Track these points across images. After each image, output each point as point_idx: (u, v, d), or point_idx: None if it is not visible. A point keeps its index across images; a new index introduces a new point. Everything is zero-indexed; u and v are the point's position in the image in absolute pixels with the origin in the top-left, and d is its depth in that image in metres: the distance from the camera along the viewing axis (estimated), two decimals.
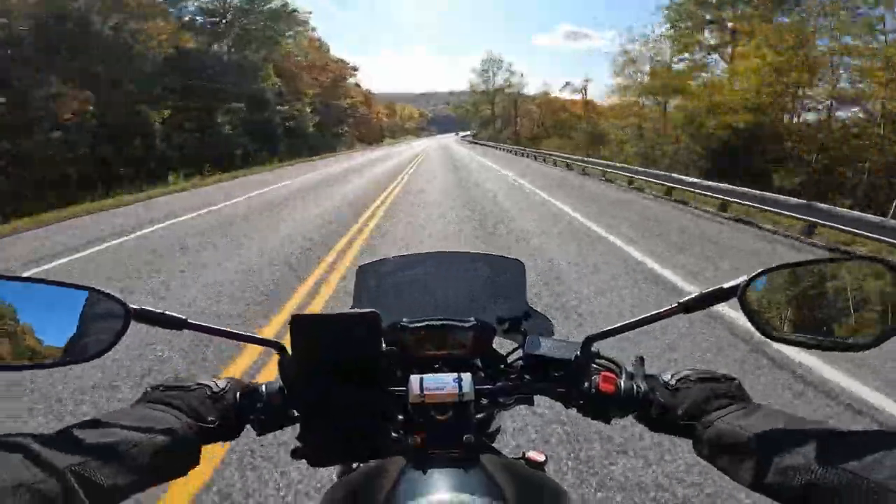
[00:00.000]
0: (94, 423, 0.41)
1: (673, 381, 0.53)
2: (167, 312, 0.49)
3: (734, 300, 0.47)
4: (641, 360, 0.59)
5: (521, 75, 61.61)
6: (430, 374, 0.55)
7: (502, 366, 0.66)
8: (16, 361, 0.45)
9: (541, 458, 0.65)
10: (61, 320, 0.48)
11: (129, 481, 0.38)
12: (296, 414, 0.55)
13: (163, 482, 0.42)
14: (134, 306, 0.48)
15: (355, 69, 50.62)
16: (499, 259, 0.84)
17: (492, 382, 0.60)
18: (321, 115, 34.46)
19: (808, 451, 0.38)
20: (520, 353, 0.64)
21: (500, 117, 55.15)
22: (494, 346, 0.68)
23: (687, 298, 0.50)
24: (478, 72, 56.96)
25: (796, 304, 0.50)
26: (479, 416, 0.60)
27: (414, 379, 0.55)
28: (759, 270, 0.48)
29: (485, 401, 0.59)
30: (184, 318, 0.50)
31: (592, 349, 0.58)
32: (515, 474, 0.50)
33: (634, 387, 0.55)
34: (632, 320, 0.53)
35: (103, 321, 0.48)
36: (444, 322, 0.67)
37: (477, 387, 0.55)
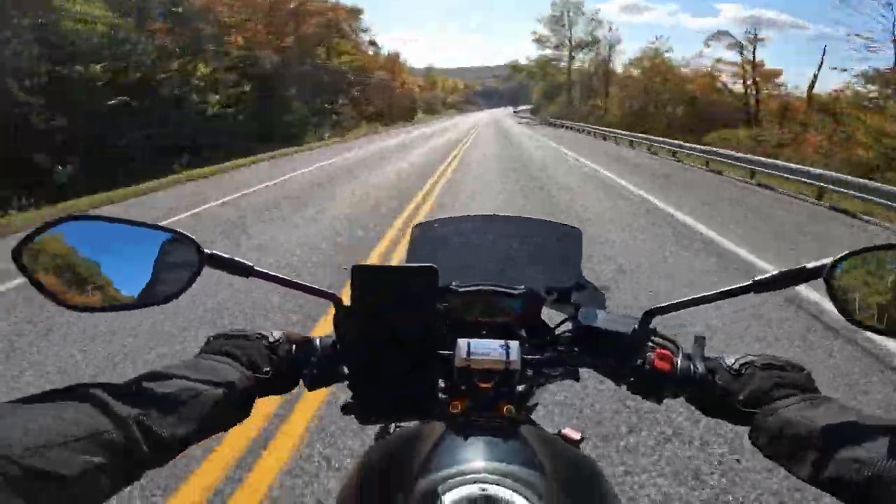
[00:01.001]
0: (158, 374, 0.45)
1: (736, 366, 0.53)
2: (236, 258, 0.54)
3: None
4: (702, 339, 0.59)
5: (611, 27, 43.70)
6: (477, 339, 0.58)
7: (548, 337, 0.67)
8: (95, 302, 0.49)
9: (577, 435, 0.68)
10: (140, 261, 0.51)
11: (187, 432, 0.42)
12: (346, 370, 0.59)
13: (215, 433, 0.47)
14: (208, 251, 0.52)
15: (358, 12, 34.11)
16: (557, 226, 0.87)
17: (538, 353, 0.62)
18: (293, 82, 18.82)
19: (874, 446, 0.38)
20: (568, 325, 0.67)
21: (576, 83, 40.05)
22: (543, 316, 0.71)
23: (763, 277, 0.49)
24: (546, 20, 42.14)
25: (884, 288, 0.49)
26: (521, 386, 0.62)
27: (462, 343, 0.58)
28: (847, 252, 0.47)
29: (530, 371, 0.61)
30: (251, 265, 0.54)
31: (651, 325, 0.58)
32: (553, 448, 0.54)
33: (692, 367, 0.56)
34: (697, 296, 0.53)
35: (178, 263, 0.52)
36: (494, 288, 0.69)
37: (524, 356, 0.58)
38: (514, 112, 70.90)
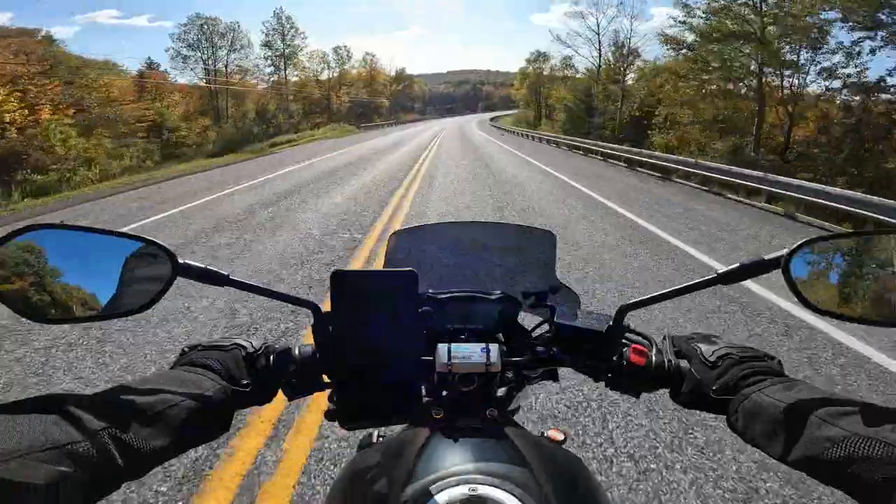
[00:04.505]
0: (131, 386, 0.47)
1: (713, 358, 0.58)
2: (210, 268, 0.57)
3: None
4: (671, 337, 0.66)
5: None
6: (457, 344, 0.64)
7: (527, 340, 0.74)
8: (62, 313, 0.52)
9: (560, 436, 0.73)
10: (110, 270, 0.53)
11: (163, 444, 0.44)
12: (326, 379, 0.64)
13: (193, 447, 0.49)
14: (181, 260, 0.55)
15: None
16: (530, 230, 0.93)
17: (517, 355, 0.69)
18: None
19: (846, 425, 0.43)
20: (545, 327, 0.73)
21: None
22: (520, 320, 0.77)
23: (726, 269, 0.57)
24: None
25: (839, 276, 0.56)
26: (503, 389, 0.68)
27: (442, 347, 0.63)
28: (802, 241, 0.54)
29: (510, 373, 0.67)
30: (226, 274, 0.58)
31: (623, 322, 0.65)
32: (538, 447, 0.58)
33: (666, 361, 0.62)
34: (666, 290, 0.60)
35: (150, 273, 0.54)
36: (471, 294, 0.76)
37: (504, 358, 0.65)
38: (491, 122, 53.29)
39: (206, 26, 39.66)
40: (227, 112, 38.74)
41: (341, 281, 0.60)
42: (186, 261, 0.55)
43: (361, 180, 12.12)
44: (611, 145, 18.12)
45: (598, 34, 33.22)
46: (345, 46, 58.17)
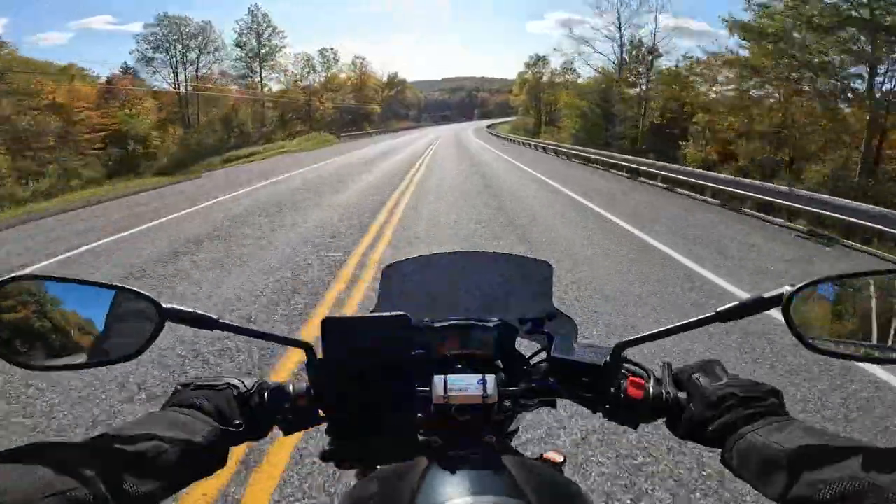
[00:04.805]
0: (124, 433, 0.49)
1: (714, 398, 0.58)
2: (197, 311, 0.57)
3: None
4: (669, 366, 0.66)
5: None
6: (453, 375, 0.64)
7: (524, 367, 0.75)
8: (52, 361, 0.53)
9: (559, 458, 0.72)
10: (96, 320, 0.54)
11: (156, 487, 0.46)
12: (321, 414, 0.64)
13: (188, 485, 0.51)
14: (166, 305, 0.55)
15: None
16: (526, 260, 0.94)
17: (514, 383, 0.69)
18: None
19: (838, 467, 0.44)
20: (543, 354, 0.73)
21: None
22: (517, 346, 0.78)
23: (725, 307, 0.57)
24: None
25: (840, 316, 0.57)
26: (500, 415, 0.69)
27: (438, 380, 0.63)
28: (805, 282, 0.54)
29: (507, 402, 0.68)
30: (215, 317, 0.58)
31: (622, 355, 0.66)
32: (536, 475, 0.59)
33: (664, 393, 0.63)
34: (665, 328, 0.61)
35: (136, 320, 0.55)
36: (468, 322, 0.76)
37: (500, 388, 0.65)
38: (489, 130, 50.04)
39: (174, 26, 37.67)
40: (199, 119, 36.65)
41: (332, 328, 0.61)
42: (173, 305, 0.56)
43: (299, 230, 7.57)
44: (729, 177, 11.25)
45: (620, 27, 30.35)
46: (331, 49, 54.12)
